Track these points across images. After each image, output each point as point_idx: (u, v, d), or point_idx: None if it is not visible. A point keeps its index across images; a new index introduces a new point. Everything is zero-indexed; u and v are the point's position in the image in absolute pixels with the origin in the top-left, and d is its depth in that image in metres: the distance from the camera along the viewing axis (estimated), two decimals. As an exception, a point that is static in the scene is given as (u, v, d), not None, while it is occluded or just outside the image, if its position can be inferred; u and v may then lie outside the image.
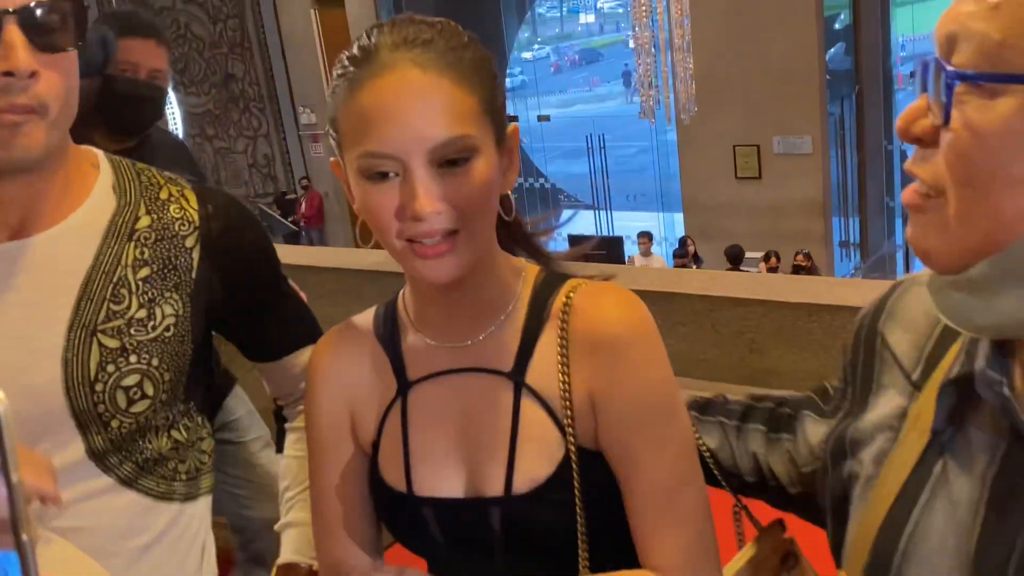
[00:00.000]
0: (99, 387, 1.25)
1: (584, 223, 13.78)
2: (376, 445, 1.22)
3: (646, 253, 10.58)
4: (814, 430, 1.10)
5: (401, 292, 1.24)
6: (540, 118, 14.15)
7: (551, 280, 1.18)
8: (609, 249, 10.71)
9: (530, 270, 1.20)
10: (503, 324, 1.16)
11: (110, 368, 1.25)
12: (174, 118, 10.43)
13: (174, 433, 1.37)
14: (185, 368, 1.34)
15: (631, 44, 7.72)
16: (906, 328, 0.93)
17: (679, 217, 11.83)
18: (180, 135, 10.58)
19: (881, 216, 11.45)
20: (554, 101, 20.72)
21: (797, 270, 9.64)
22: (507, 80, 15.14)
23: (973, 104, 0.71)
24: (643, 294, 1.18)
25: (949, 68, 0.71)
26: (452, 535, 1.17)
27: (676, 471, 1.12)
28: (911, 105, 0.76)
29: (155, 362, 1.29)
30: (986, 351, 0.79)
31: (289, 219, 13.20)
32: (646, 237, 10.70)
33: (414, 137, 1.01)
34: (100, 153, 1.36)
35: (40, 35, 1.13)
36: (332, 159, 1.15)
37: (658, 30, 7.19)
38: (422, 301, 1.18)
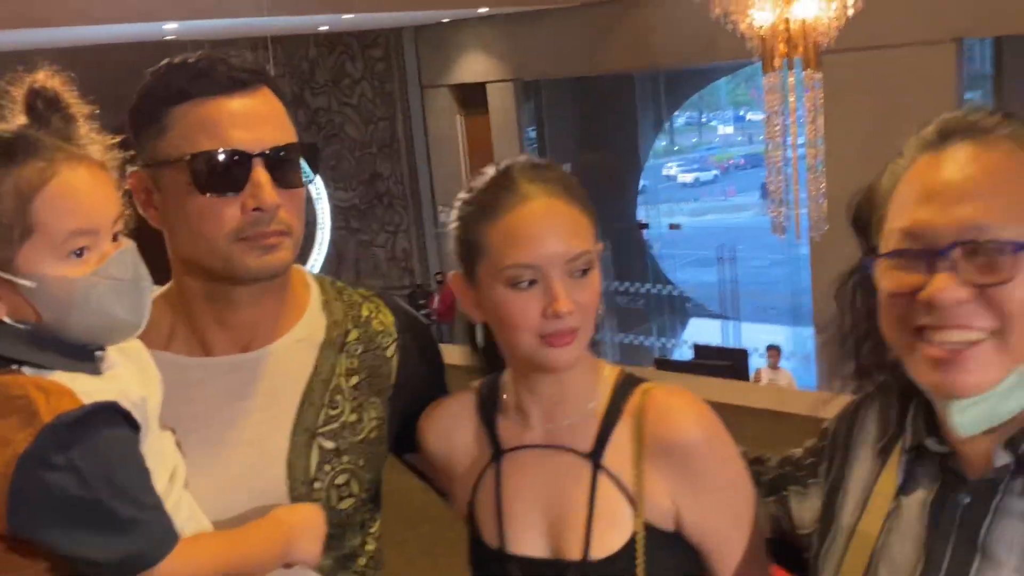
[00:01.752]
0: (317, 485, 1.37)
1: (711, 332, 13.71)
2: (471, 505, 1.41)
3: (774, 367, 10.42)
4: (799, 502, 1.38)
5: (501, 377, 1.45)
6: (671, 226, 14.28)
7: (628, 382, 1.39)
8: (734, 361, 10.61)
9: (609, 369, 1.41)
10: (586, 413, 1.37)
11: (326, 468, 1.38)
12: (323, 212, 11.01)
13: (366, 530, 1.48)
14: (381, 469, 1.48)
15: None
16: (870, 428, 1.25)
17: (809, 332, 11.64)
18: (328, 227, 11.17)
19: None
20: (687, 209, 20.80)
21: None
22: (640, 186, 15.38)
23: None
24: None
25: (1017, 241, 0.97)
26: None
27: (755, 545, 1.34)
28: (946, 289, 0.99)
29: (361, 462, 1.42)
30: (927, 429, 1.12)
31: (422, 312, 13.63)
32: (775, 351, 10.56)
33: (555, 252, 1.27)
34: (306, 271, 1.53)
35: (281, 175, 1.31)
36: (453, 273, 1.37)
37: (791, 149, 7.30)
38: (521, 388, 1.39)
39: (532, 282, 1.28)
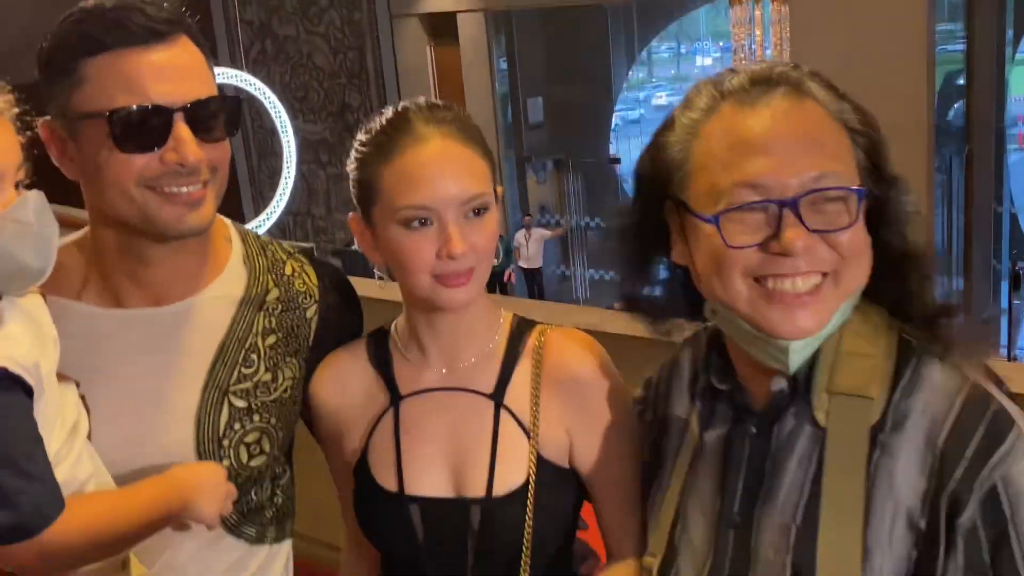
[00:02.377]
0: (226, 443, 1.37)
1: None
2: (364, 451, 1.42)
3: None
4: None
5: (393, 323, 1.46)
6: (642, 161, 14.18)
7: (524, 323, 1.42)
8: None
9: (505, 314, 1.44)
10: (486, 354, 1.39)
11: (236, 426, 1.38)
12: (288, 144, 10.86)
13: (276, 483, 1.49)
14: (293, 427, 1.49)
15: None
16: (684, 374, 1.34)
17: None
18: (294, 161, 11.04)
19: (987, 279, 11.09)
20: (663, 142, 20.60)
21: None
22: (615, 118, 15.25)
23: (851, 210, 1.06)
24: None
25: (858, 188, 1.06)
26: (433, 533, 1.36)
27: (633, 474, 1.38)
28: (799, 238, 1.05)
29: (273, 421, 1.42)
30: (716, 370, 1.22)
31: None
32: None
33: (450, 194, 1.27)
34: (230, 224, 1.50)
35: (203, 128, 1.29)
36: (352, 214, 1.37)
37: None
38: (421, 330, 1.39)
39: (427, 222, 1.27)
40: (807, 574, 1.06)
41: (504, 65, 13.21)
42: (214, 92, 1.31)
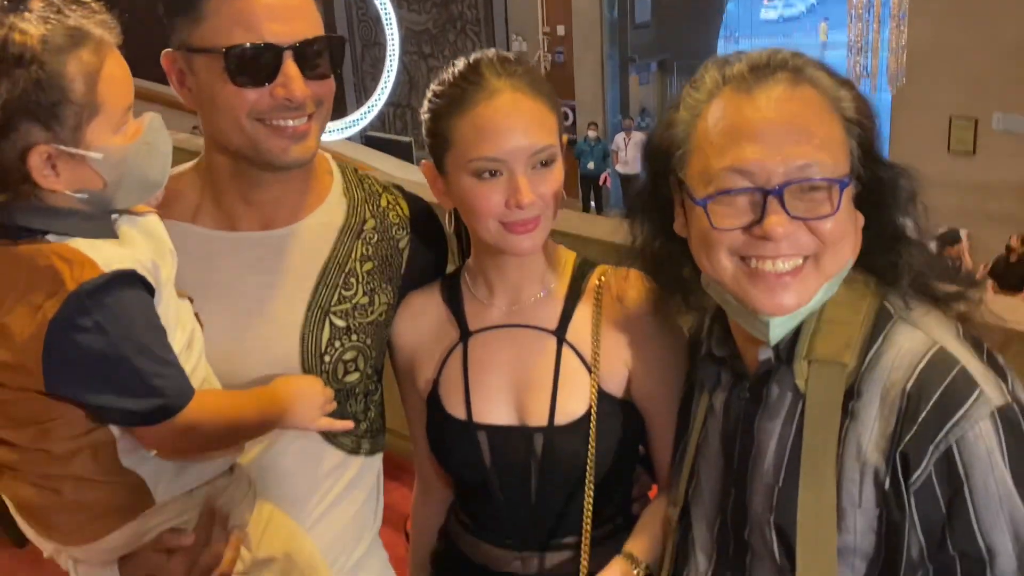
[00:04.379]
0: (327, 359, 1.49)
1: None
2: (436, 382, 1.52)
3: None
4: None
5: (463, 267, 1.56)
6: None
7: (586, 264, 1.51)
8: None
9: (568, 254, 1.52)
10: (550, 293, 1.48)
11: (336, 344, 1.49)
12: (392, 36, 10.83)
13: (369, 399, 1.60)
14: (384, 349, 1.60)
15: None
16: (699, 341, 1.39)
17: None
18: (396, 52, 10.99)
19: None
20: (774, 45, 19.89)
21: (1009, 253, 9.08)
22: (723, 20, 14.74)
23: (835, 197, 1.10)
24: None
25: (841, 179, 1.10)
26: (499, 458, 1.47)
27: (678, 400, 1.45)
28: (780, 224, 1.09)
29: (368, 341, 1.53)
30: (717, 339, 1.29)
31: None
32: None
33: (519, 146, 1.34)
34: (330, 158, 1.60)
35: (310, 66, 1.38)
36: (425, 162, 1.45)
37: (875, -4, 6.94)
38: (489, 271, 1.49)
39: (497, 172, 1.34)
40: (788, 532, 1.14)
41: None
42: (321, 32, 1.39)
